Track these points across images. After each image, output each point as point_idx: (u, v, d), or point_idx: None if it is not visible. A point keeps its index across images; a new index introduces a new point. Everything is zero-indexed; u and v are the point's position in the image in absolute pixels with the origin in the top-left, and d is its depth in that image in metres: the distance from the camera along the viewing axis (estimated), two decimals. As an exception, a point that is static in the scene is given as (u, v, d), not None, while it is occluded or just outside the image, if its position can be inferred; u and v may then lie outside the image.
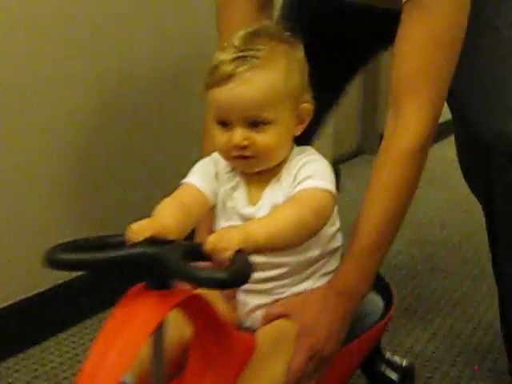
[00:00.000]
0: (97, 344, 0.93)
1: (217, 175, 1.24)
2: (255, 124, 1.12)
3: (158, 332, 1.00)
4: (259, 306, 1.26)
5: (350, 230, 1.29)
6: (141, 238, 0.98)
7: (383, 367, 1.51)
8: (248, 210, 1.20)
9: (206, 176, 1.24)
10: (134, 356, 0.91)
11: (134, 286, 0.98)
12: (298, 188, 1.14)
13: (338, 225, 1.28)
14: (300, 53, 1.19)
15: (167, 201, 1.16)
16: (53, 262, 0.94)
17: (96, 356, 0.92)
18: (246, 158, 1.15)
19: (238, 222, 1.20)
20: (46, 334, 1.84)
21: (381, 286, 1.53)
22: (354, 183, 3.36)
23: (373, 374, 1.52)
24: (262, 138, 1.12)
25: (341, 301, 1.23)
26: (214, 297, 1.24)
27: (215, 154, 1.24)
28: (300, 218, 1.08)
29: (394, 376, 1.50)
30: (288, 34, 1.20)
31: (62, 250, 0.95)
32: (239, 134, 1.12)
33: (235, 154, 1.15)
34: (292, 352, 1.17)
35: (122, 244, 1.00)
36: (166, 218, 1.10)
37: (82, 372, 0.91)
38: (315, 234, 1.14)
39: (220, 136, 1.15)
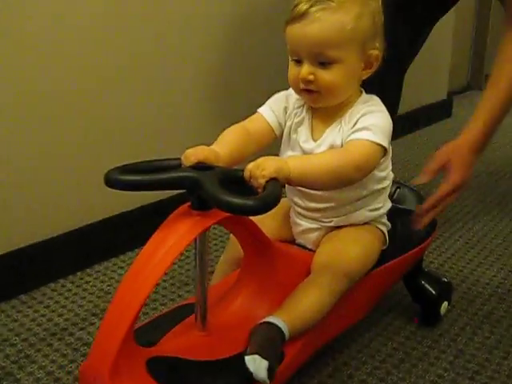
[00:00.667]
0: (147, 245, 1.01)
1: (286, 109, 1.28)
2: (322, 62, 1.14)
3: (201, 244, 1.08)
4: (310, 230, 1.31)
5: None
6: (190, 163, 1.04)
7: (423, 281, 1.52)
8: (308, 145, 1.23)
9: (276, 109, 1.28)
10: (175, 257, 0.98)
11: (181, 206, 1.04)
12: (353, 136, 1.15)
13: (389, 168, 1.29)
14: (375, 3, 1.18)
15: (234, 127, 1.24)
16: (111, 181, 1.00)
17: (146, 251, 1.00)
18: (311, 92, 1.17)
19: (300, 154, 1.24)
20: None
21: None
22: (463, 112, 3.60)
23: (414, 287, 1.54)
24: (326, 75, 1.14)
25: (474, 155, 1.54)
26: (262, 216, 1.30)
27: (289, 90, 1.27)
28: (338, 168, 1.10)
29: (432, 290, 1.52)
30: None
31: (119, 171, 1.02)
32: (306, 69, 1.14)
33: (302, 87, 1.17)
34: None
35: (174, 167, 1.06)
36: (221, 144, 1.17)
37: (134, 263, 1.01)
38: (352, 183, 1.15)
39: (292, 69, 1.18)
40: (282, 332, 1.10)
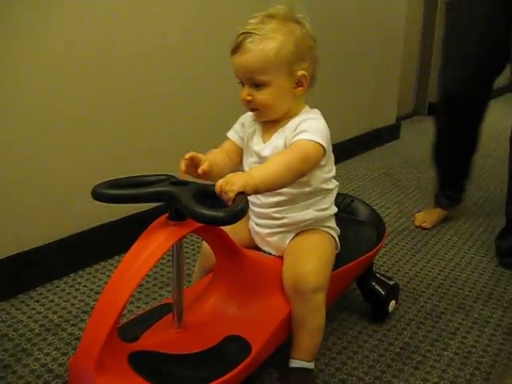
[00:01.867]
0: (129, 252, 0.99)
1: (243, 124, 1.31)
2: (256, 85, 1.17)
3: (178, 251, 1.06)
4: (270, 234, 1.29)
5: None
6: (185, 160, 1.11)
7: (374, 283, 1.51)
8: (258, 147, 1.25)
9: (236, 128, 1.32)
10: (154, 263, 0.97)
11: (159, 217, 1.02)
12: (295, 138, 1.16)
13: (333, 172, 1.29)
14: (301, 30, 1.18)
15: (214, 150, 1.29)
16: (96, 195, 0.99)
17: (129, 257, 0.98)
18: (253, 109, 1.21)
19: (255, 157, 1.25)
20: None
21: (375, 219, 1.54)
22: (410, 135, 3.91)
23: (365, 288, 1.53)
24: (260, 95, 1.17)
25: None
26: (238, 228, 1.29)
27: None
28: (290, 164, 1.11)
29: (381, 290, 1.51)
30: (298, 15, 1.20)
31: (105, 186, 1.00)
32: (244, 91, 1.19)
33: (246, 106, 1.21)
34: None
35: (154, 182, 1.04)
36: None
37: (118, 267, 0.98)
38: (302, 175, 1.15)
39: (240, 92, 1.20)
40: (311, 371, 1.24)
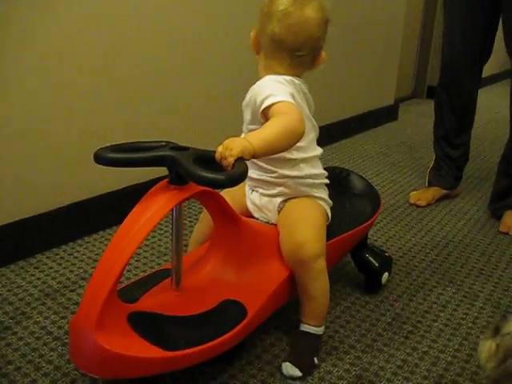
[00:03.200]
0: (130, 214, 1.01)
1: None
2: None
3: (177, 215, 1.08)
4: (265, 201, 1.31)
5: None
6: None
7: (368, 255, 1.54)
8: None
9: None
10: (154, 225, 0.99)
11: (160, 182, 1.04)
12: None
13: (307, 139, 1.26)
14: None
15: None
16: (98, 158, 1.00)
17: (129, 220, 1.00)
18: None
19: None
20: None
21: (370, 192, 1.56)
22: (408, 116, 3.91)
23: (359, 259, 1.56)
24: None
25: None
26: (237, 196, 1.31)
27: None
28: (286, 127, 1.09)
29: (375, 262, 1.54)
30: None
31: (107, 150, 1.02)
32: None
33: None
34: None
35: (156, 148, 1.06)
36: None
37: (118, 230, 1.00)
38: (301, 135, 1.12)
39: None
40: (318, 336, 1.28)
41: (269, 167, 1.26)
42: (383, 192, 2.37)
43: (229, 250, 1.21)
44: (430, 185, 2.35)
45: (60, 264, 1.65)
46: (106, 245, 1.75)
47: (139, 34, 1.85)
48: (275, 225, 1.29)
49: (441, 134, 2.27)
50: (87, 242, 1.79)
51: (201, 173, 0.93)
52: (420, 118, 3.93)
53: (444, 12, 2.14)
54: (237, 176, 0.96)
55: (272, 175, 1.27)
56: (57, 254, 1.71)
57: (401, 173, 2.68)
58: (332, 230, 1.33)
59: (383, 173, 2.66)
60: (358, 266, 1.57)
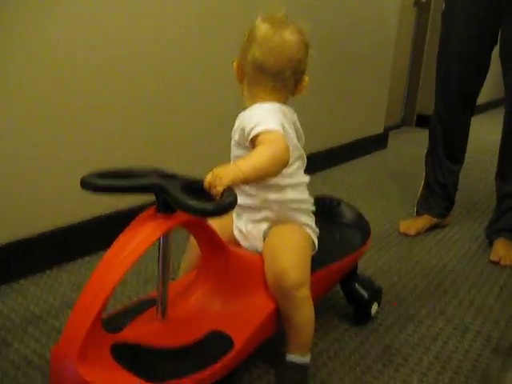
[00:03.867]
0: (116, 241, 0.99)
1: None
2: None
3: (164, 244, 1.06)
4: (252, 225, 1.29)
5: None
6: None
7: (357, 285, 1.52)
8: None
9: None
10: (140, 254, 0.96)
11: (147, 209, 1.02)
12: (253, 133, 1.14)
13: (294, 166, 1.26)
14: None
15: None
16: (86, 184, 0.98)
17: (116, 247, 0.98)
18: None
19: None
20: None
21: (361, 223, 1.55)
22: (397, 144, 3.96)
23: (348, 290, 1.54)
24: None
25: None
26: (225, 225, 1.29)
27: None
28: (274, 154, 1.09)
29: (365, 293, 1.52)
30: None
31: (94, 176, 1.00)
32: None
33: None
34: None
35: (144, 174, 1.04)
36: None
37: (104, 257, 0.98)
38: (287, 162, 1.12)
39: None
40: (305, 367, 1.25)
41: (254, 192, 1.25)
42: (372, 220, 2.34)
43: (216, 279, 1.19)
44: (419, 213, 2.34)
45: (43, 290, 1.62)
46: (92, 271, 1.70)
47: (129, 63, 1.84)
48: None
49: (433, 161, 2.28)
50: (72, 268, 1.76)
51: (189, 202, 0.92)
52: (409, 146, 3.95)
53: (440, 40, 2.16)
54: (225, 205, 0.94)
55: (257, 200, 1.26)
56: (40, 279, 1.67)
57: (390, 201, 2.67)
58: (320, 260, 1.31)
59: (373, 201, 2.65)
60: (347, 297, 1.55)
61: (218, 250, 1.15)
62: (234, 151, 1.27)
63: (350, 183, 2.92)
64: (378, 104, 3.67)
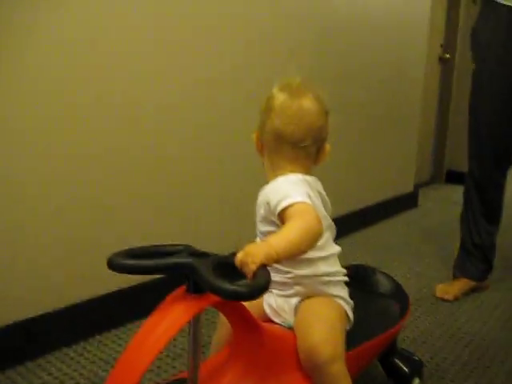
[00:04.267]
0: (146, 323, 0.94)
1: None
2: None
3: (195, 325, 1.01)
4: (282, 302, 1.24)
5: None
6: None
7: (397, 359, 1.45)
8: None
9: None
10: (171, 337, 0.91)
11: (176, 289, 0.98)
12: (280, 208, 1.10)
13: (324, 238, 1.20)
14: None
15: None
16: (113, 265, 0.95)
17: (145, 329, 0.93)
18: None
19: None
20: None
21: (398, 292, 1.49)
22: (428, 202, 3.91)
23: (388, 364, 1.46)
24: None
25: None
26: (255, 301, 1.23)
27: None
28: (307, 229, 1.04)
29: (405, 367, 1.44)
30: None
31: (121, 256, 0.96)
32: None
33: None
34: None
35: (172, 253, 1.00)
36: None
37: (134, 339, 0.93)
38: (321, 235, 1.07)
39: None
40: None
41: (284, 268, 1.20)
42: (408, 285, 2.27)
43: (248, 358, 1.12)
44: (456, 277, 2.26)
45: (69, 366, 1.57)
46: (119, 344, 1.67)
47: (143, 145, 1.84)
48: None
49: (469, 222, 2.21)
50: (99, 341, 1.71)
51: (222, 285, 0.86)
52: (441, 204, 3.88)
53: (470, 100, 2.13)
54: (260, 288, 0.89)
55: (287, 276, 1.21)
56: (66, 355, 1.63)
57: (425, 263, 2.59)
58: (357, 337, 1.24)
59: (406, 264, 2.57)
60: (387, 371, 1.47)
61: (249, 327, 1.10)
62: (260, 227, 1.22)
63: (381, 245, 2.85)
64: (407, 162, 3.63)
